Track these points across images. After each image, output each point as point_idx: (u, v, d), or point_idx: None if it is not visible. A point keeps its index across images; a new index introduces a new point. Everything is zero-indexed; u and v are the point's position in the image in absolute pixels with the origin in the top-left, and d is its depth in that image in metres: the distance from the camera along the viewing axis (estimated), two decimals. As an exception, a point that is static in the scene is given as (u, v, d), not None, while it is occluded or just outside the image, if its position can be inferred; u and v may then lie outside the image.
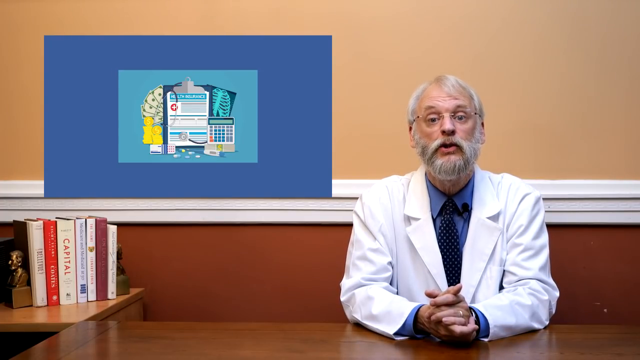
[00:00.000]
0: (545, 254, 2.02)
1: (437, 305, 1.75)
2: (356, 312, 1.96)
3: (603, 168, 2.51)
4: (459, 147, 1.98)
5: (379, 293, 1.94)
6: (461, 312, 1.73)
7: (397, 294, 2.02)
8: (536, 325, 1.89)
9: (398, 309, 1.85)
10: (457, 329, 1.70)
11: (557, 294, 2.01)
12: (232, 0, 2.60)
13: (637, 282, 2.51)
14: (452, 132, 1.97)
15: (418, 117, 2.04)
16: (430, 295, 1.78)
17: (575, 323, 2.33)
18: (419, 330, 1.82)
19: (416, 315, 1.81)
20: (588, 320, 2.48)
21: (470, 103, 2.02)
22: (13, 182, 2.67)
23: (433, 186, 2.07)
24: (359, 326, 1.97)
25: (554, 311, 1.98)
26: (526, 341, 1.83)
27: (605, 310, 2.52)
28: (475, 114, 2.03)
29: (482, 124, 2.09)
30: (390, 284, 2.04)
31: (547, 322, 1.93)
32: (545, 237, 2.05)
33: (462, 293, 1.79)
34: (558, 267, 2.20)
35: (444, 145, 1.98)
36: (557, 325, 1.98)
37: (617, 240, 2.51)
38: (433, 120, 2.01)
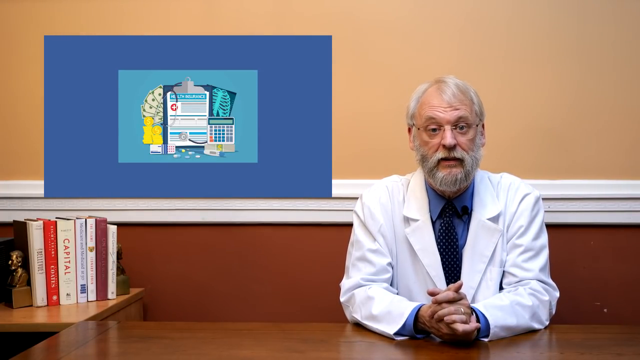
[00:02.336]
0: (545, 254, 2.02)
1: (439, 303, 1.75)
2: (356, 312, 1.96)
3: (603, 168, 2.51)
4: (460, 160, 1.97)
5: (379, 293, 1.94)
6: (462, 310, 1.73)
7: (398, 294, 2.02)
8: (536, 326, 1.89)
9: (398, 309, 1.84)
10: (460, 327, 1.69)
11: (557, 294, 2.01)
12: (232, 0, 2.60)
13: (637, 282, 2.51)
14: (453, 146, 1.96)
15: (418, 128, 2.02)
16: (432, 294, 1.78)
17: (575, 323, 2.33)
18: (419, 330, 1.82)
19: (417, 315, 1.81)
20: (588, 320, 2.48)
21: (471, 110, 1.99)
22: (13, 182, 2.67)
23: (432, 189, 2.06)
24: (359, 326, 1.96)
25: (554, 312, 1.98)
26: (526, 341, 1.83)
27: (605, 310, 2.52)
28: (477, 125, 2.01)
29: (483, 125, 2.07)
30: (391, 284, 2.04)
31: (547, 323, 1.93)
32: (545, 238, 2.05)
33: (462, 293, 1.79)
34: (558, 267, 2.20)
35: (445, 158, 1.97)
36: (557, 325, 1.97)
37: (617, 240, 2.51)
38: (434, 130, 1.98)
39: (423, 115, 2.00)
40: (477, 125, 2.01)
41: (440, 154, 1.97)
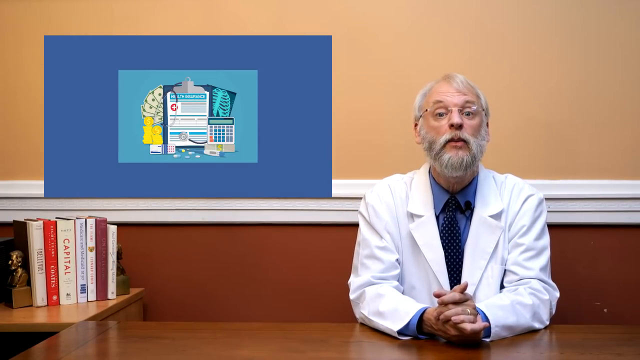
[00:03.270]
0: (546, 255, 2.03)
1: (445, 304, 1.75)
2: (364, 309, 1.96)
3: (603, 168, 2.51)
4: (466, 143, 1.99)
5: (389, 292, 1.95)
6: (469, 310, 1.74)
7: (402, 293, 2.02)
8: (537, 325, 1.89)
9: (405, 308, 1.85)
10: (468, 327, 1.69)
11: (558, 294, 2.02)
12: (232, 0, 2.60)
13: (638, 282, 2.51)
14: (460, 126, 1.98)
15: (426, 110, 2.05)
16: (437, 295, 1.78)
17: (575, 323, 2.33)
18: (422, 332, 1.82)
19: (422, 317, 1.81)
20: (588, 320, 2.48)
21: (478, 101, 2.05)
22: (13, 182, 2.67)
23: (437, 183, 2.08)
24: (360, 326, 1.97)
25: (554, 312, 1.98)
26: (527, 341, 1.83)
27: (605, 310, 2.52)
28: (482, 110, 2.05)
29: (487, 124, 2.10)
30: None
31: (547, 322, 1.93)
32: (546, 239, 2.06)
33: (462, 291, 1.79)
34: (558, 267, 2.20)
35: (452, 139, 1.99)
36: (558, 325, 1.98)
37: (617, 240, 2.51)
38: (441, 114, 2.02)
39: (431, 101, 2.05)
40: (483, 111, 2.05)
41: (448, 135, 1.99)
